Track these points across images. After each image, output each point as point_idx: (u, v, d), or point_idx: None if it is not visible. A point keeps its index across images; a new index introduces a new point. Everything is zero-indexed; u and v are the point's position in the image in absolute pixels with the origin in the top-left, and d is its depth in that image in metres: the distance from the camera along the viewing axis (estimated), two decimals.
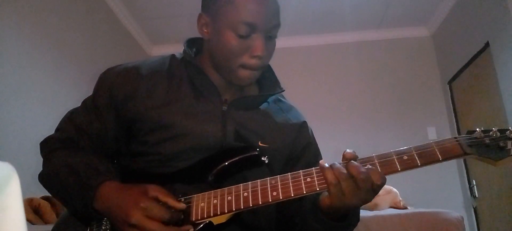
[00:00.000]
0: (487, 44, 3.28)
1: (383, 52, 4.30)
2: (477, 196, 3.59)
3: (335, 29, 4.25)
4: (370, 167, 0.77)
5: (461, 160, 3.84)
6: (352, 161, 0.78)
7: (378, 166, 0.78)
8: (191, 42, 1.08)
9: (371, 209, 2.36)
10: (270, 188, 0.81)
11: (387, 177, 0.78)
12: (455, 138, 0.78)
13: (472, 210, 3.67)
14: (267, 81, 1.08)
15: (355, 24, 4.16)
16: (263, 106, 1.04)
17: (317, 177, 0.80)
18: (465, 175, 3.81)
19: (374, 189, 0.77)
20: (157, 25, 4.11)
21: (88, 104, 1.01)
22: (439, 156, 0.77)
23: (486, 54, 3.33)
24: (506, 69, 3.03)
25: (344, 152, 0.81)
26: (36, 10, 2.65)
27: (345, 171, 0.76)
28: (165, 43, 4.35)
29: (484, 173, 3.51)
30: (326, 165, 0.79)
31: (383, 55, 4.30)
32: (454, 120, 3.93)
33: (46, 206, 2.12)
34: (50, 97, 2.69)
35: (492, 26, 3.19)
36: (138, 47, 4.26)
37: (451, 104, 4.00)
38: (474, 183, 3.63)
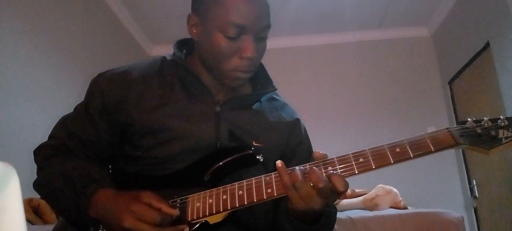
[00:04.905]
0: (487, 44, 3.27)
1: (383, 52, 4.30)
2: (477, 196, 3.59)
3: (335, 29, 4.24)
4: (332, 172, 0.77)
5: (462, 160, 3.84)
6: (314, 167, 0.78)
7: (371, 159, 0.78)
8: (182, 43, 1.07)
9: (371, 209, 2.35)
10: (265, 185, 0.81)
11: (381, 169, 0.77)
12: (447, 128, 0.78)
13: (472, 210, 3.66)
14: (260, 80, 1.07)
15: (355, 24, 4.16)
16: (256, 105, 1.04)
17: None
18: (465, 175, 3.80)
19: (338, 193, 0.76)
20: (157, 25, 4.11)
21: (81, 111, 1.00)
22: (431, 147, 0.76)
23: (486, 54, 3.32)
24: (506, 69, 3.02)
25: (313, 152, 0.82)
26: (36, 11, 2.65)
27: (300, 177, 0.76)
28: (165, 43, 4.34)
29: (485, 173, 3.50)
30: (282, 166, 0.79)
31: (383, 55, 4.30)
32: (454, 120, 3.92)
33: (45, 206, 2.12)
34: (50, 97, 2.69)
35: (492, 26, 3.18)
36: (138, 47, 4.26)
37: (451, 104, 4.00)
38: (474, 183, 3.62)
